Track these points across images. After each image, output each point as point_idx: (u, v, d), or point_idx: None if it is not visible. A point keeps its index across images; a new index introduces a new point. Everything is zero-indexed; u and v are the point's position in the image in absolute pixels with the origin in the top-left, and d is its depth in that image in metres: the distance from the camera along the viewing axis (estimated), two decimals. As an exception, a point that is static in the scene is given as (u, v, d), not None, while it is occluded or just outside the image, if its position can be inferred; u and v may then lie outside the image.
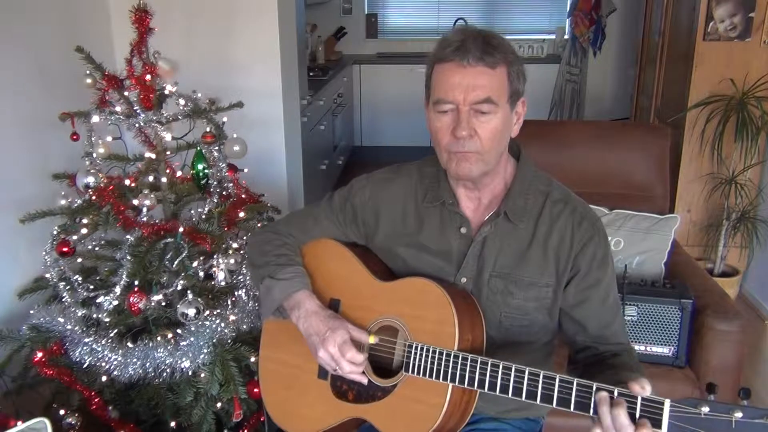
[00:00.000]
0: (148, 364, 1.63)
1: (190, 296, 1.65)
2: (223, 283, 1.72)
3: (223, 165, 1.78)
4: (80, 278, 1.70)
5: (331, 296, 1.38)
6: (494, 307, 1.28)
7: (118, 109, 1.66)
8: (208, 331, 1.66)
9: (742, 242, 3.33)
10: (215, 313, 1.69)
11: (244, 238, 1.84)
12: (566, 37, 5.83)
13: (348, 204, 1.41)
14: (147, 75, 1.64)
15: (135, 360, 1.63)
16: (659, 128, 2.59)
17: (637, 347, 1.99)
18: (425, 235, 1.33)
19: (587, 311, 1.27)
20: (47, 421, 1.31)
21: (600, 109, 5.88)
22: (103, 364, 1.63)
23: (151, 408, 1.76)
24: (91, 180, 1.66)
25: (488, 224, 1.28)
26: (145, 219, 1.66)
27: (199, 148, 1.71)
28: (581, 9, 5.48)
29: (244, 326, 1.74)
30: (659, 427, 0.95)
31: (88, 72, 1.67)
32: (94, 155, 1.67)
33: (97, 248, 1.77)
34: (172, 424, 1.75)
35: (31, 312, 1.72)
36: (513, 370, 1.10)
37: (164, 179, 1.74)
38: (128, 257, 1.63)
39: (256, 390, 1.66)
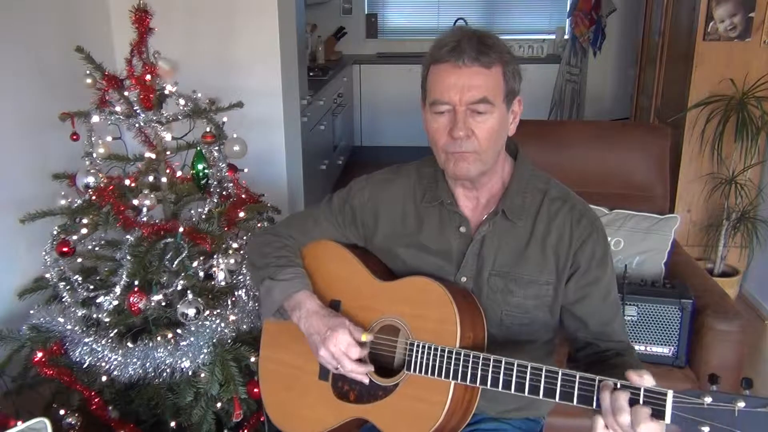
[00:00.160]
0: (148, 364, 1.63)
1: (190, 296, 1.65)
2: (223, 283, 1.72)
3: (223, 165, 1.78)
4: (80, 278, 1.70)
5: (331, 297, 1.38)
6: (495, 305, 1.28)
7: (118, 109, 1.66)
8: (208, 331, 1.66)
9: (742, 242, 3.33)
10: (215, 313, 1.70)
11: (244, 238, 1.84)
12: (566, 37, 5.83)
13: (347, 205, 1.41)
14: (147, 75, 1.64)
15: (135, 360, 1.63)
16: (659, 128, 2.59)
17: (637, 347, 1.99)
18: (425, 235, 1.33)
19: (588, 308, 1.27)
20: (47, 421, 1.31)
21: (600, 109, 5.88)
22: (103, 364, 1.63)
23: (151, 408, 1.76)
24: (91, 180, 1.66)
25: (486, 223, 1.29)
26: (145, 219, 1.66)
27: (199, 148, 1.71)
28: (581, 9, 5.48)
29: (244, 326, 1.74)
30: (662, 417, 0.95)
31: (88, 72, 1.67)
32: (94, 155, 1.67)
33: (97, 248, 1.77)
34: (172, 424, 1.75)
35: (31, 312, 1.72)
36: (515, 365, 1.10)
37: (164, 179, 1.74)
38: (128, 257, 1.63)
39: (256, 390, 1.66)
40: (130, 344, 1.65)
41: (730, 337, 1.91)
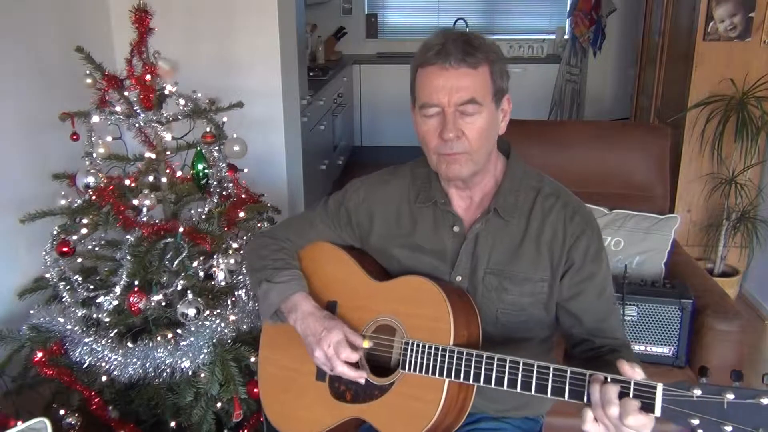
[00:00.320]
0: (148, 364, 1.63)
1: (190, 296, 1.65)
2: (223, 283, 1.72)
3: (223, 165, 1.78)
4: (80, 278, 1.70)
5: (328, 298, 1.38)
6: (490, 303, 1.28)
7: (118, 109, 1.66)
8: (208, 331, 1.66)
9: (742, 242, 3.33)
10: (215, 313, 1.70)
11: (244, 238, 1.84)
12: (566, 37, 5.83)
13: (342, 207, 1.42)
14: (147, 75, 1.64)
15: (135, 360, 1.63)
16: (659, 128, 2.59)
17: (637, 347, 1.99)
18: (419, 235, 1.34)
19: (582, 304, 1.27)
20: (47, 421, 1.31)
21: (600, 109, 5.88)
22: (103, 364, 1.63)
23: (151, 408, 1.76)
24: (91, 180, 1.66)
25: (479, 222, 1.29)
26: (145, 219, 1.66)
27: (199, 148, 1.71)
28: (581, 9, 5.48)
29: (244, 326, 1.74)
30: (652, 410, 0.96)
31: (88, 72, 1.67)
32: (94, 155, 1.67)
33: (97, 248, 1.77)
34: (172, 424, 1.75)
35: (31, 312, 1.72)
36: (507, 361, 1.10)
37: (164, 179, 1.74)
38: (128, 257, 1.63)
39: (256, 390, 1.66)
40: (130, 344, 1.65)
41: (730, 337, 1.91)
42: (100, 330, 1.67)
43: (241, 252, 1.76)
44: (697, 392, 0.92)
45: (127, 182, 1.70)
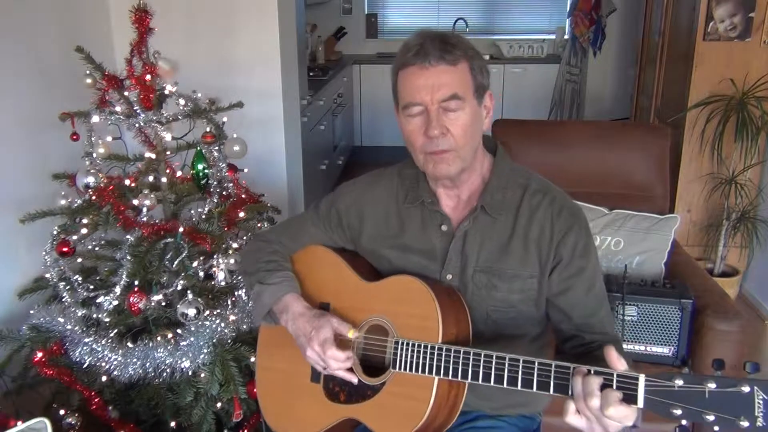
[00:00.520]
0: (148, 364, 1.63)
1: (190, 296, 1.65)
2: (223, 283, 1.73)
3: (223, 165, 1.78)
4: (80, 278, 1.70)
5: (320, 300, 1.39)
6: (480, 301, 1.29)
7: (118, 109, 1.66)
8: (208, 331, 1.66)
9: (742, 242, 3.33)
10: (215, 313, 1.70)
11: (244, 238, 1.84)
12: (566, 37, 5.83)
13: (333, 209, 1.43)
14: (147, 75, 1.64)
15: (135, 360, 1.63)
16: (659, 128, 2.59)
17: (637, 347, 1.99)
18: (408, 235, 1.34)
19: (571, 300, 1.27)
20: (47, 421, 1.31)
21: (600, 109, 5.89)
22: (103, 364, 1.63)
23: (151, 408, 1.77)
24: (91, 180, 1.66)
25: (467, 220, 1.30)
26: (145, 219, 1.66)
27: (199, 148, 1.71)
28: (581, 9, 5.49)
29: (244, 326, 1.74)
30: (635, 401, 0.96)
31: (88, 72, 1.67)
32: (94, 155, 1.67)
33: (97, 248, 1.77)
34: (172, 424, 1.75)
35: (31, 312, 1.72)
36: (494, 357, 1.11)
37: (164, 179, 1.74)
38: (128, 257, 1.63)
39: (255, 390, 1.66)
40: (130, 344, 1.65)
41: (730, 337, 1.90)
42: (100, 330, 1.67)
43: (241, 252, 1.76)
44: (679, 382, 0.92)
45: (127, 182, 1.70)
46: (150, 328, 1.72)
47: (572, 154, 2.37)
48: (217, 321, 1.68)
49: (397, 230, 1.36)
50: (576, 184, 2.29)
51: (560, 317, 1.30)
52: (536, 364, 1.06)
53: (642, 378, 0.96)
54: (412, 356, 1.19)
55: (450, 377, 1.15)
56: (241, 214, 1.82)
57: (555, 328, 1.33)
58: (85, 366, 1.65)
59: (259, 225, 1.91)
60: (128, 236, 1.65)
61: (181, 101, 1.69)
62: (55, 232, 1.68)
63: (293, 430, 1.39)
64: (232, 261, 1.72)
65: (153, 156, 1.70)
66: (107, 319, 1.67)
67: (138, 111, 1.65)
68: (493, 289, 1.28)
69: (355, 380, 1.27)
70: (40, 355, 1.65)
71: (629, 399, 0.96)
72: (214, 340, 1.67)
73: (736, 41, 3.22)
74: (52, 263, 1.68)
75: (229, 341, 1.71)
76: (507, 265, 1.28)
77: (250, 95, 2.05)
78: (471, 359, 1.13)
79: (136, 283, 1.63)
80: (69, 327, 1.65)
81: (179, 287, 1.66)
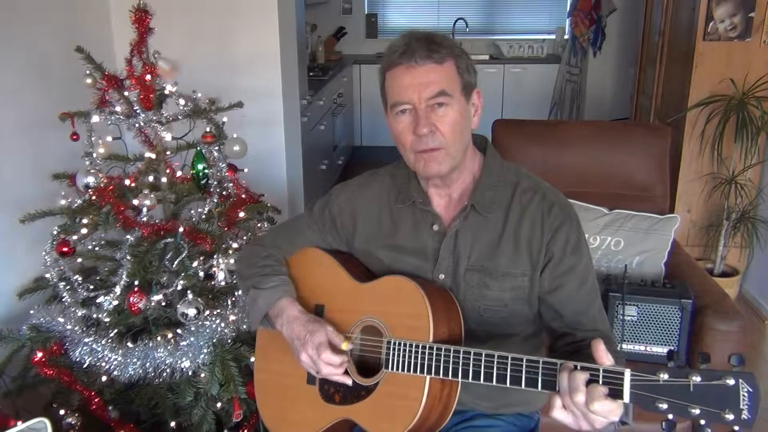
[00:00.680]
0: (148, 364, 1.63)
1: (190, 296, 1.65)
2: (223, 283, 1.73)
3: (223, 165, 1.78)
4: (80, 278, 1.70)
5: (315, 302, 1.40)
6: (473, 300, 1.29)
7: (118, 109, 1.66)
8: (208, 331, 1.66)
9: (742, 242, 3.33)
10: (215, 313, 1.70)
11: (244, 238, 1.84)
12: (566, 37, 5.83)
13: (326, 211, 1.44)
14: (147, 75, 1.64)
15: (135, 360, 1.63)
16: (659, 128, 2.59)
17: (637, 347, 2.00)
18: (400, 235, 1.35)
19: (562, 297, 1.27)
20: (47, 421, 1.31)
21: (600, 109, 5.88)
22: (103, 364, 1.63)
23: (151, 408, 1.76)
24: (91, 180, 1.66)
25: (457, 218, 1.30)
26: (145, 219, 1.66)
27: (199, 148, 1.71)
28: (581, 9, 5.49)
29: (244, 326, 1.74)
30: (621, 396, 0.96)
31: (88, 72, 1.67)
32: (94, 155, 1.67)
33: (97, 248, 1.77)
34: (172, 424, 1.75)
35: (31, 312, 1.72)
36: (483, 355, 1.11)
37: (164, 179, 1.74)
38: (128, 257, 1.63)
39: (255, 390, 1.66)
40: (130, 344, 1.65)
41: (730, 337, 1.90)
42: (100, 330, 1.67)
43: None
44: (664, 376, 0.92)
45: (127, 182, 1.70)
46: (150, 328, 1.72)
47: (572, 154, 2.37)
48: (217, 321, 1.68)
49: (390, 231, 1.36)
50: (576, 184, 2.29)
51: (552, 315, 1.30)
52: (524, 361, 1.07)
53: (627, 373, 0.96)
54: (403, 356, 1.19)
55: (441, 376, 1.15)
56: (241, 214, 1.82)
57: (546, 326, 1.33)
58: (85, 366, 1.65)
59: (259, 225, 1.91)
60: (128, 236, 1.65)
61: (181, 101, 1.69)
62: (55, 232, 1.68)
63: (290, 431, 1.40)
64: (232, 261, 1.72)
65: (153, 156, 1.70)
66: (107, 319, 1.67)
67: (138, 111, 1.65)
68: (485, 288, 1.28)
69: (349, 381, 1.27)
70: (40, 355, 1.65)
71: (615, 394, 0.96)
72: (214, 340, 1.67)
73: (736, 41, 3.22)
74: (52, 263, 1.68)
75: (229, 341, 1.71)
76: (498, 264, 1.28)
77: (250, 95, 2.05)
78: (461, 358, 1.13)
79: (136, 283, 1.63)
80: (69, 327, 1.65)
81: (179, 287, 1.66)
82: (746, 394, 0.88)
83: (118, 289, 1.62)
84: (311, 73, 4.37)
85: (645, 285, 2.02)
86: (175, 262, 1.67)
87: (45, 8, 2.15)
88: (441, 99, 1.20)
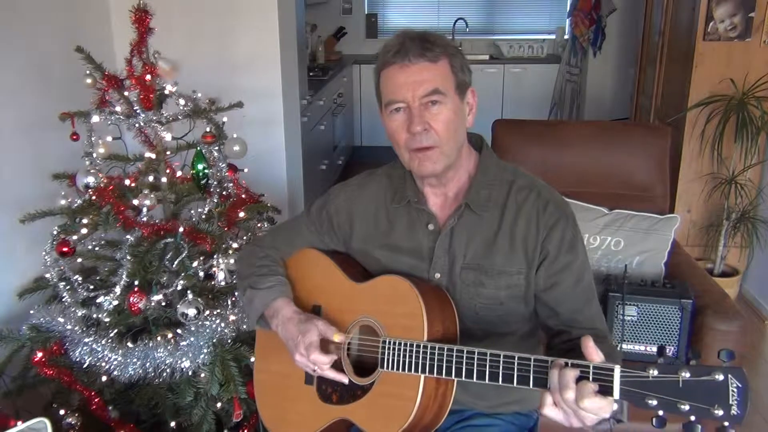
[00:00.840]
0: (148, 364, 1.63)
1: (190, 296, 1.65)
2: (223, 283, 1.73)
3: (223, 165, 1.78)
4: (80, 278, 1.70)
5: (313, 303, 1.40)
6: (469, 299, 1.29)
7: (118, 109, 1.66)
8: (208, 331, 1.66)
9: (742, 242, 3.33)
10: (215, 313, 1.70)
11: (244, 238, 1.84)
12: (566, 37, 5.83)
13: (324, 212, 1.44)
14: (147, 75, 1.64)
15: (135, 360, 1.63)
16: (659, 128, 2.59)
17: (637, 347, 1.99)
18: (396, 235, 1.35)
19: (558, 295, 1.27)
20: (47, 421, 1.31)
21: (600, 109, 5.88)
22: (103, 364, 1.63)
23: (151, 408, 1.77)
24: (91, 180, 1.66)
25: (452, 217, 1.30)
26: (145, 219, 1.66)
27: (199, 148, 1.71)
28: (581, 9, 5.48)
29: (244, 326, 1.74)
30: (611, 393, 0.96)
31: (88, 72, 1.67)
32: (94, 155, 1.67)
33: (97, 248, 1.77)
34: (172, 424, 1.75)
35: (31, 312, 1.72)
36: (476, 353, 1.11)
37: (164, 179, 1.74)
38: (128, 257, 1.63)
39: (254, 390, 1.66)
40: (130, 344, 1.65)
41: (730, 337, 1.90)
42: (100, 330, 1.67)
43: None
44: (653, 372, 0.92)
45: (127, 182, 1.70)
46: (150, 328, 1.72)
47: (572, 154, 2.36)
48: (217, 321, 1.68)
49: (386, 230, 1.36)
50: (576, 184, 2.29)
51: (548, 313, 1.30)
52: (516, 358, 1.07)
53: (617, 369, 0.96)
54: (398, 355, 1.20)
55: (435, 375, 1.16)
56: (241, 214, 1.82)
57: (543, 324, 1.33)
58: (85, 366, 1.65)
59: (259, 225, 1.91)
60: (128, 236, 1.65)
61: (181, 101, 1.69)
62: (55, 232, 1.68)
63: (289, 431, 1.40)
64: (232, 261, 1.72)
65: (153, 156, 1.70)
66: (107, 319, 1.67)
67: (138, 111, 1.65)
68: (481, 286, 1.28)
69: (345, 380, 1.28)
70: (40, 355, 1.65)
71: (605, 391, 0.96)
72: (214, 340, 1.67)
73: (736, 41, 3.22)
74: (52, 263, 1.68)
75: (229, 341, 1.71)
76: (494, 262, 1.28)
77: (250, 95, 2.05)
78: (454, 356, 1.13)
79: (136, 283, 1.63)
80: (69, 327, 1.65)
81: (179, 287, 1.66)
82: (735, 390, 0.88)
83: (118, 289, 1.62)
84: (311, 73, 4.37)
85: (645, 285, 2.02)
86: (175, 262, 1.67)
87: (45, 8, 2.15)
88: (435, 97, 1.20)
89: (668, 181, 2.35)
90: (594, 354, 0.99)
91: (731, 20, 3.19)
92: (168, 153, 1.75)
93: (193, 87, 1.74)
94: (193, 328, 1.65)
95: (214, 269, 1.71)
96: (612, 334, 1.94)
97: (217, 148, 1.75)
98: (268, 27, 2.64)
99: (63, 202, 1.70)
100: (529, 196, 1.29)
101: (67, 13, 2.29)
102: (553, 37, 6.00)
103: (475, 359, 1.11)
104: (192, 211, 1.80)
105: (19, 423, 1.32)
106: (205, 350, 1.65)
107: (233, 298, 1.76)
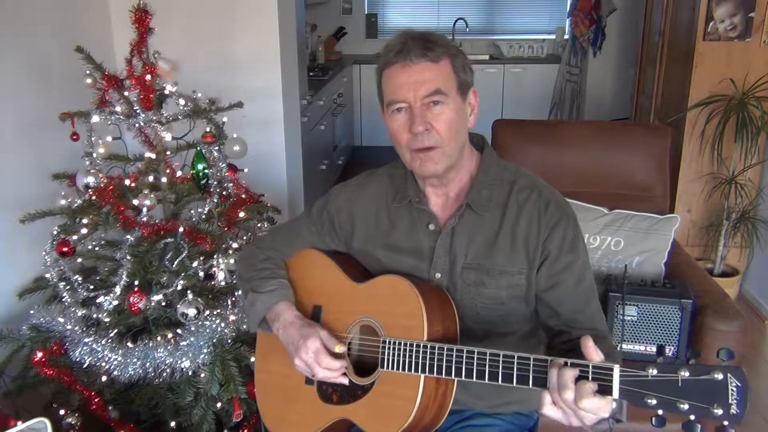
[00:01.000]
0: (148, 364, 1.63)
1: (190, 296, 1.65)
2: (223, 283, 1.73)
3: (223, 165, 1.78)
4: (80, 278, 1.70)
5: (313, 303, 1.40)
6: (470, 298, 1.29)
7: (118, 109, 1.66)
8: (208, 331, 1.66)
9: (742, 242, 3.33)
10: (215, 313, 1.70)
11: (244, 238, 1.84)
12: (566, 37, 5.83)
13: (325, 212, 1.44)
14: (147, 75, 1.64)
15: (135, 360, 1.63)
16: (659, 128, 2.59)
17: (637, 347, 1.99)
18: (397, 235, 1.35)
19: (559, 295, 1.27)
20: (47, 421, 1.31)
21: (600, 109, 5.88)
22: (103, 364, 1.63)
23: (151, 408, 1.77)
24: (91, 180, 1.66)
25: (453, 217, 1.30)
26: (145, 219, 1.66)
27: (199, 148, 1.71)
28: (581, 9, 5.48)
29: (244, 326, 1.74)
30: (610, 392, 0.96)
31: (88, 72, 1.67)
32: (94, 155, 1.67)
33: (97, 248, 1.77)
34: (172, 424, 1.75)
35: (31, 312, 1.72)
36: (475, 353, 1.11)
37: (164, 179, 1.74)
38: (128, 257, 1.63)
39: (255, 390, 1.66)
40: (130, 344, 1.65)
41: (730, 337, 1.90)
42: (100, 330, 1.67)
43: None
44: (653, 371, 0.92)
45: (127, 182, 1.70)
46: (150, 328, 1.72)
47: (572, 154, 2.37)
48: (217, 321, 1.68)
49: (388, 230, 1.36)
50: (576, 184, 2.29)
51: (548, 313, 1.30)
52: (516, 358, 1.07)
53: (617, 368, 0.96)
54: (398, 355, 1.20)
55: (435, 375, 1.16)
56: (241, 214, 1.82)
57: (543, 324, 1.33)
58: (85, 366, 1.65)
59: (259, 225, 1.91)
60: (128, 236, 1.65)
61: (181, 101, 1.69)
62: (55, 232, 1.68)
63: None
64: (232, 261, 1.72)
65: (153, 156, 1.70)
66: (107, 319, 1.67)
67: (138, 111, 1.65)
68: (482, 286, 1.28)
69: (346, 381, 1.28)
70: (40, 355, 1.65)
71: (605, 390, 0.96)
72: (214, 340, 1.67)
73: (736, 41, 3.22)
74: (52, 263, 1.68)
75: (229, 341, 1.71)
76: (495, 262, 1.28)
77: (250, 95, 2.06)
78: (454, 356, 1.13)
79: (136, 283, 1.63)
80: (69, 327, 1.65)
81: (179, 287, 1.66)
82: (735, 389, 0.88)
83: (118, 289, 1.62)
84: (311, 73, 4.37)
85: (645, 285, 2.02)
86: (175, 262, 1.67)
87: (45, 8, 2.15)
88: (436, 97, 1.20)
89: (668, 181, 2.35)
90: (594, 354, 0.99)
91: (731, 20, 3.19)
92: (168, 153, 1.75)
93: (193, 87, 1.74)
94: (193, 328, 1.65)
95: (214, 269, 1.71)
96: (612, 334, 1.94)
97: (217, 148, 1.75)
98: (268, 27, 2.64)
99: (63, 202, 1.70)
100: (531, 196, 1.29)
101: (67, 13, 2.29)
102: (553, 37, 6.00)
103: (475, 359, 1.11)
104: (192, 211, 1.80)
105: (19, 423, 1.32)
106: (205, 350, 1.65)
107: (233, 298, 1.76)
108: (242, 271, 1.48)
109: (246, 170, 1.90)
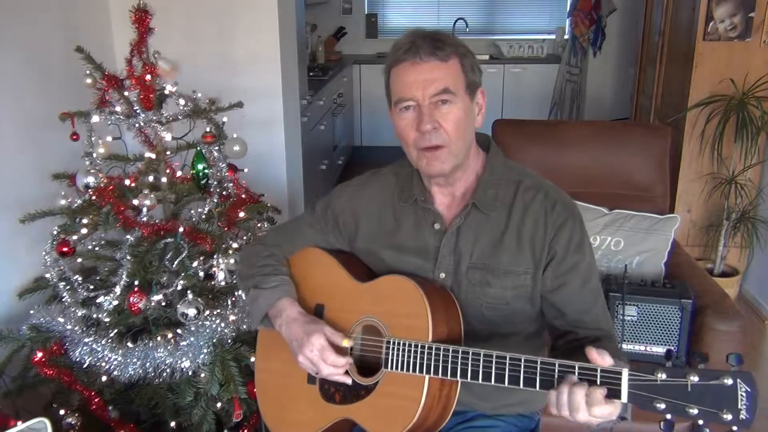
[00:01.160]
0: (148, 364, 1.63)
1: (190, 296, 1.65)
2: (223, 283, 1.73)
3: (223, 165, 1.78)
4: (80, 278, 1.70)
5: (316, 302, 1.40)
6: (475, 298, 1.29)
7: (118, 109, 1.66)
8: (208, 331, 1.66)
9: (742, 242, 3.33)
10: (215, 313, 1.70)
11: (244, 238, 1.84)
12: (566, 37, 5.83)
13: (329, 210, 1.44)
14: (147, 75, 1.64)
15: (135, 360, 1.63)
16: (659, 128, 2.59)
17: (637, 347, 1.99)
18: (402, 234, 1.35)
19: (565, 296, 1.27)
20: (47, 421, 1.31)
21: (600, 109, 5.88)
22: (103, 364, 1.63)
23: (151, 408, 1.76)
24: (91, 180, 1.66)
25: (459, 217, 1.30)
26: (145, 219, 1.66)
27: (199, 148, 1.71)
28: (581, 9, 5.48)
29: (244, 326, 1.74)
30: (618, 396, 0.96)
31: (88, 72, 1.67)
32: (94, 155, 1.67)
33: (97, 248, 1.77)
34: (172, 424, 1.75)
35: (31, 312, 1.72)
36: (481, 355, 1.11)
37: (164, 179, 1.74)
38: (128, 257, 1.63)
39: (255, 390, 1.66)
40: (130, 344, 1.65)
41: (730, 337, 1.90)
42: (100, 330, 1.67)
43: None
44: (662, 376, 0.92)
45: (127, 182, 1.70)
46: (150, 328, 1.72)
47: (572, 154, 2.37)
48: (217, 321, 1.68)
49: (393, 229, 1.36)
50: (576, 184, 2.29)
51: (554, 313, 1.29)
52: (522, 360, 1.07)
53: (625, 372, 0.96)
54: (402, 355, 1.19)
55: (440, 376, 1.15)
56: (241, 214, 1.82)
57: (549, 324, 1.33)
58: (85, 366, 1.65)
59: (259, 225, 1.91)
60: (128, 236, 1.65)
61: (181, 101, 1.69)
62: (55, 232, 1.68)
63: (291, 431, 1.40)
64: (232, 261, 1.72)
65: (153, 156, 1.70)
66: (107, 319, 1.67)
67: (138, 111, 1.65)
68: (487, 286, 1.28)
69: (349, 381, 1.27)
70: (40, 355, 1.65)
71: (613, 394, 0.96)
72: (214, 340, 1.67)
73: (736, 41, 3.22)
74: (52, 263, 1.68)
75: (229, 341, 1.71)
76: (501, 262, 1.28)
77: (250, 95, 2.06)
78: (459, 357, 1.13)
79: (136, 283, 1.63)
80: (69, 327, 1.65)
81: (179, 287, 1.66)
82: (744, 394, 0.88)
83: (118, 289, 1.62)
84: (311, 73, 4.37)
85: (645, 285, 2.02)
86: (175, 262, 1.67)
87: (45, 8, 2.15)
88: (445, 96, 1.20)
89: (668, 181, 2.35)
90: (599, 360, 1.00)
91: (731, 20, 3.19)
92: (168, 153, 1.75)
93: (193, 87, 1.74)
94: (193, 328, 1.65)
95: (214, 269, 1.71)
96: (614, 332, 1.94)
97: (217, 148, 1.75)
98: (268, 27, 2.64)
99: (63, 202, 1.70)
100: (537, 196, 1.29)
101: (67, 13, 2.29)
102: (553, 37, 6.00)
103: (481, 361, 1.11)
104: (192, 211, 1.80)
105: (19, 423, 1.32)
106: (205, 350, 1.65)
107: (233, 298, 1.76)
108: (244, 268, 1.48)
109: (246, 170, 1.90)
